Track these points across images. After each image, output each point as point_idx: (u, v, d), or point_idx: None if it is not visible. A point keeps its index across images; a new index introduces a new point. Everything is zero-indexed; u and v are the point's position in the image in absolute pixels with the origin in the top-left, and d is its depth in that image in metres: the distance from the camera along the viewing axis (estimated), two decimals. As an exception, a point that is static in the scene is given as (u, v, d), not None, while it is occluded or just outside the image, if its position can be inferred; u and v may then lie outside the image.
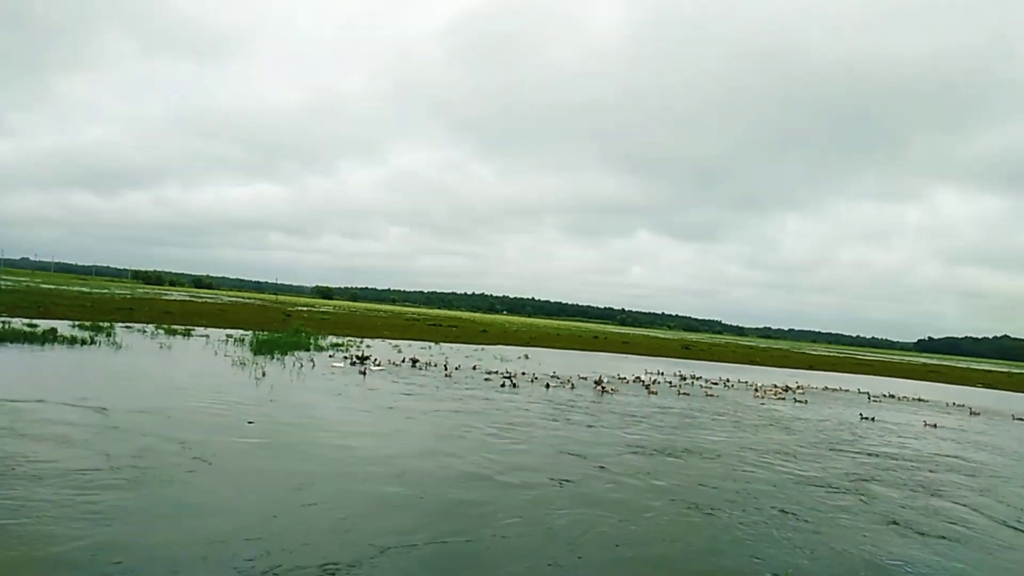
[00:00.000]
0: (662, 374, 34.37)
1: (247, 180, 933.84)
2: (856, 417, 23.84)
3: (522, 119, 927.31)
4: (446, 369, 25.81)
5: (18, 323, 26.83)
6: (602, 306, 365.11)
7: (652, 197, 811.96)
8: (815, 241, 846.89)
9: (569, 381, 25.40)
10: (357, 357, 26.56)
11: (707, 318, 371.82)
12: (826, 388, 36.00)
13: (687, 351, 63.84)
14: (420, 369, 25.55)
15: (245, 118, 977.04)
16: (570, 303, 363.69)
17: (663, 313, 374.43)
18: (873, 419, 23.61)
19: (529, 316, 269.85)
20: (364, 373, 22.57)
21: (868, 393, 34.87)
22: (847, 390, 36.22)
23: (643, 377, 31.23)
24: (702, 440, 16.06)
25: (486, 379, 24.01)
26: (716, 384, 31.28)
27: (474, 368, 27.17)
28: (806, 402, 27.29)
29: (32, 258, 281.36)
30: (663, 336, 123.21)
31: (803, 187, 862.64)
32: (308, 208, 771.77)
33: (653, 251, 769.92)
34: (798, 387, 34.30)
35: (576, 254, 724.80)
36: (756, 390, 30.09)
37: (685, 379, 32.66)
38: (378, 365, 25.27)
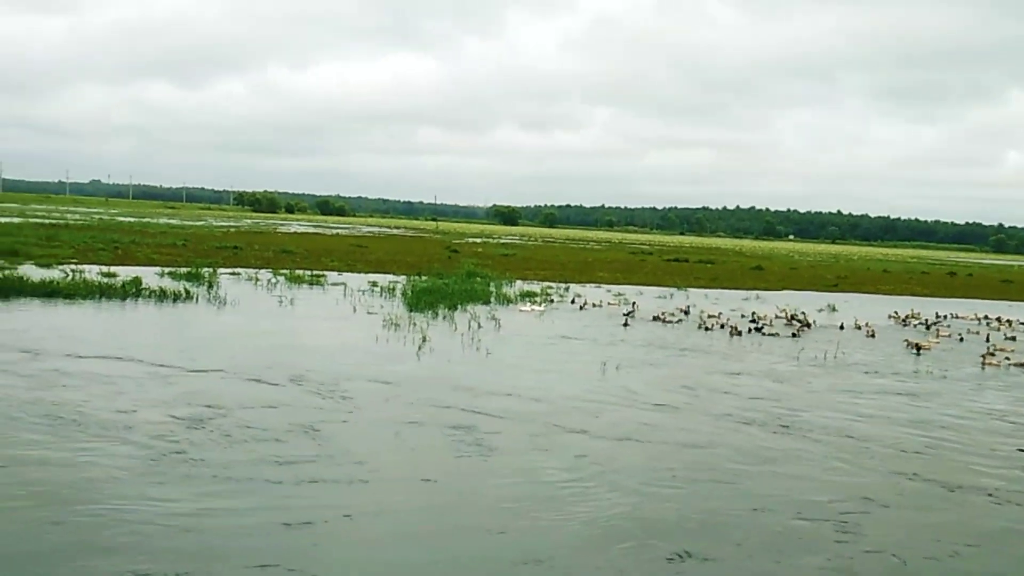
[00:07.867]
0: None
1: (377, 50, 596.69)
2: None
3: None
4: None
5: (91, 271, 21.17)
6: (961, 221, 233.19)
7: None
8: None
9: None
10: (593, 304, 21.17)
11: None
12: None
13: None
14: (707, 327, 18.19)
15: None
16: (902, 218, 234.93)
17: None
18: None
19: (832, 242, 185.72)
20: (627, 324, 18.08)
21: None
22: None
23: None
24: None
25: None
26: None
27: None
28: None
29: (104, 180, 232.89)
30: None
31: None
32: (469, 87, 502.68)
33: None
34: None
35: (897, 134, 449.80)
36: None
37: None
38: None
